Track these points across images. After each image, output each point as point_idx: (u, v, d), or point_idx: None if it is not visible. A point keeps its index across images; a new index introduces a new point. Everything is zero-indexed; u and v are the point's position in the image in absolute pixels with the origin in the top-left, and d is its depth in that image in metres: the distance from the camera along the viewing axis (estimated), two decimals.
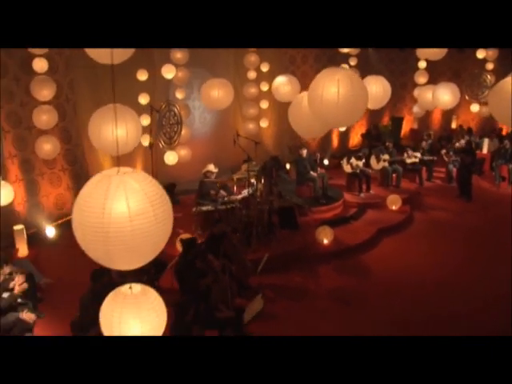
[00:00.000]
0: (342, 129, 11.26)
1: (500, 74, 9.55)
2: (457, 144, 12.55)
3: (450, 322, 6.02)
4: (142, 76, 9.41)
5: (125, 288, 2.92)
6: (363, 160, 10.80)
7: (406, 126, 15.25)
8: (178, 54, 9.12)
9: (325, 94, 4.48)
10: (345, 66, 4.83)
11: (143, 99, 9.43)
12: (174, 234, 5.86)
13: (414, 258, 8.06)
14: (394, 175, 11.12)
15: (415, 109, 11.63)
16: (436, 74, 11.55)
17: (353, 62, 11.55)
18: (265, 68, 11.01)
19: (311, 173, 9.85)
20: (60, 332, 5.51)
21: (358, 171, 10.57)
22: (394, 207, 9.85)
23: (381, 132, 13.71)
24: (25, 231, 7.83)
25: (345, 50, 11.15)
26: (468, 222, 9.64)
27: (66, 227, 8.79)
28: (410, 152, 11.70)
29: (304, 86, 6.93)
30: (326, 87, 4.48)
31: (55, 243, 8.29)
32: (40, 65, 7.56)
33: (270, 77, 10.43)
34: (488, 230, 9.11)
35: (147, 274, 5.79)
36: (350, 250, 8.15)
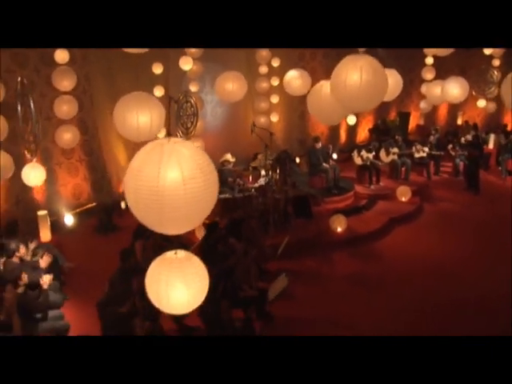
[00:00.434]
0: (351, 122, 11.41)
1: (506, 70, 9.69)
2: (463, 139, 12.73)
3: (458, 312, 6.13)
4: (157, 69, 9.57)
5: (170, 253, 3.09)
6: (373, 152, 10.97)
7: (413, 122, 15.37)
8: (193, 48, 9.28)
9: (348, 80, 4.65)
10: (361, 50, 5.01)
11: (158, 91, 9.58)
12: None
13: (424, 247, 8.20)
14: (403, 168, 11.29)
15: (422, 104, 11.76)
16: (443, 71, 11.69)
17: None
18: (275, 63, 11.18)
19: (324, 164, 10.04)
20: (86, 313, 5.70)
21: (368, 163, 10.74)
22: (403, 198, 10.00)
23: (389, 127, 13.87)
24: (48, 217, 8.01)
25: None
26: (476, 214, 9.77)
27: (84, 216, 8.99)
28: (419, 146, 11.87)
29: (313, 82, 7.01)
30: (350, 73, 4.65)
31: (74, 231, 8.48)
32: (62, 56, 7.75)
33: (280, 72, 10.60)
34: (496, 223, 9.20)
35: None
36: (363, 238, 8.33)
